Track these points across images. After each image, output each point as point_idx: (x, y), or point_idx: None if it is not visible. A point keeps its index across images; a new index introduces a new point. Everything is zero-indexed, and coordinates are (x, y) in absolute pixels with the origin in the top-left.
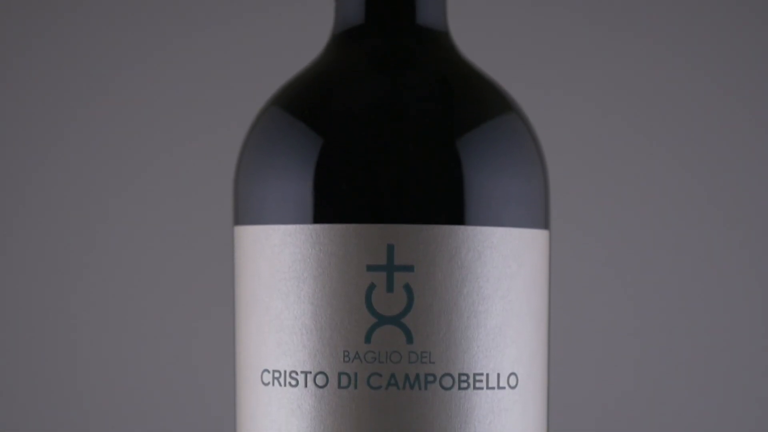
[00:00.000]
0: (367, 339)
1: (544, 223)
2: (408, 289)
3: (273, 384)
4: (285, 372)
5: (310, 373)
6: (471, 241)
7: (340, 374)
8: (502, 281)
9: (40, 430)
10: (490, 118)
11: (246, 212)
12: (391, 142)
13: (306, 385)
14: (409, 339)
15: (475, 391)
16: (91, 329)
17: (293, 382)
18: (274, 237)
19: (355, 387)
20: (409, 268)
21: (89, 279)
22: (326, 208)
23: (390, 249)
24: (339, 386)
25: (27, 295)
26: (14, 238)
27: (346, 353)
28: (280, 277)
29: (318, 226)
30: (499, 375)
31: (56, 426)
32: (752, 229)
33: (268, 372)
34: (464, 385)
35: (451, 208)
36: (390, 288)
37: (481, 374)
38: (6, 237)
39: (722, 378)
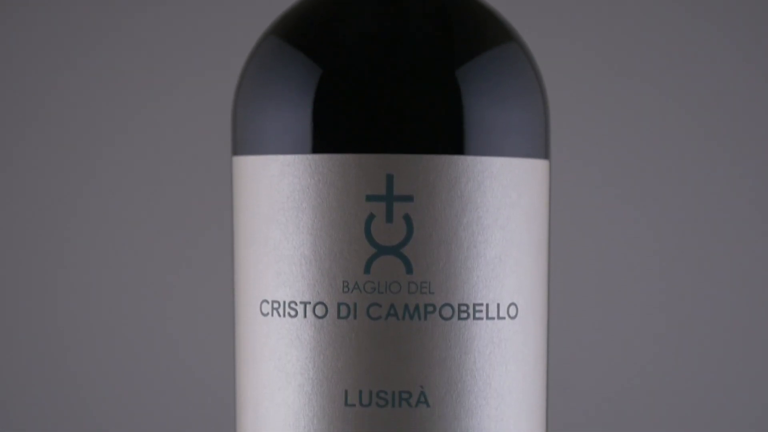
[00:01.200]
0: (367, 269)
1: (544, 152)
2: (407, 219)
3: (272, 315)
4: (284, 302)
5: (309, 303)
6: (471, 170)
7: (339, 305)
8: (502, 211)
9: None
10: (490, 47)
11: (244, 142)
12: (391, 72)
13: (305, 316)
14: (409, 269)
15: (475, 321)
16: (90, 262)
17: (292, 313)
18: (272, 167)
19: (355, 317)
20: (408, 198)
21: (87, 210)
22: (325, 138)
23: (389, 179)
24: (338, 317)
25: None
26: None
27: (346, 283)
28: (279, 208)
29: (317, 156)
30: (498, 305)
31: (51, 343)
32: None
33: (267, 303)
34: (464, 315)
35: (451, 137)
36: (389, 218)
37: (481, 304)
38: None
39: (721, 305)
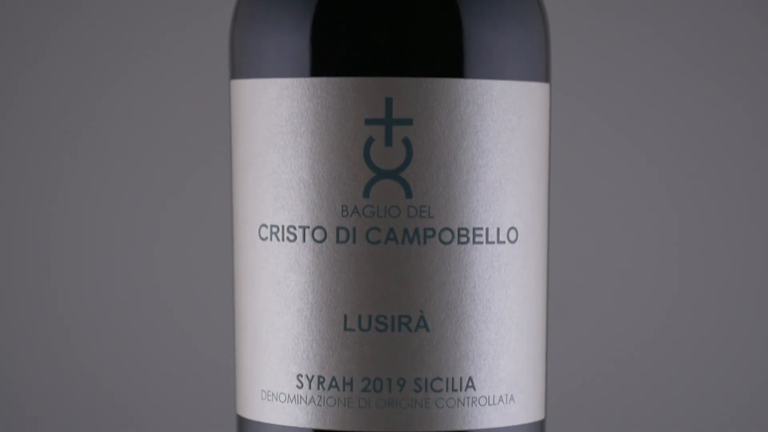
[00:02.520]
0: (366, 193)
1: (544, 76)
2: (407, 142)
3: (271, 239)
4: (283, 227)
5: (308, 227)
6: (470, 94)
7: (338, 229)
8: (502, 135)
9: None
10: None
11: (242, 66)
12: None
13: (304, 240)
14: (408, 193)
15: (475, 245)
16: (88, 188)
17: (291, 237)
18: (271, 90)
19: (354, 242)
20: (407, 122)
21: (86, 136)
22: (324, 61)
23: (388, 102)
24: (337, 241)
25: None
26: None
27: (345, 208)
28: (278, 131)
29: (315, 80)
30: (498, 229)
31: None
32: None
33: (266, 227)
34: (464, 239)
35: (451, 60)
36: (388, 142)
37: (481, 229)
38: None
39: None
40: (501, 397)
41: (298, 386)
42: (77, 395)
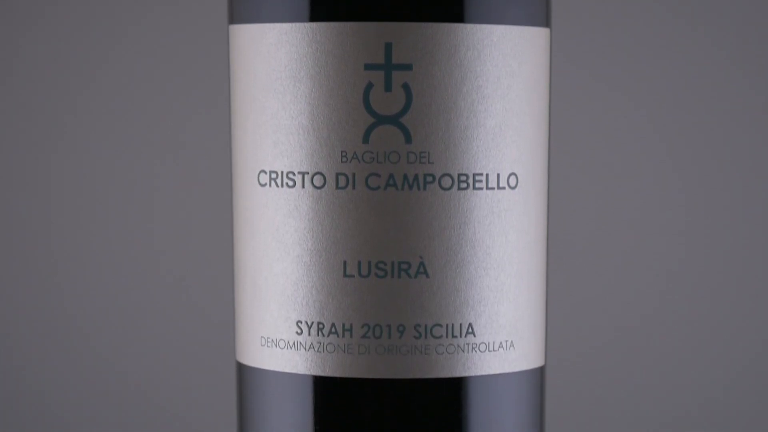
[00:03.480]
0: (365, 139)
1: (544, 20)
2: (406, 88)
3: (270, 185)
4: (282, 173)
5: (308, 173)
6: (470, 39)
7: (337, 175)
8: (502, 80)
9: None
10: None
11: (241, 11)
12: None
13: (303, 186)
14: (408, 139)
15: (475, 191)
16: (87, 138)
17: (290, 183)
18: (270, 35)
19: (353, 187)
20: (407, 67)
21: (84, 90)
22: (323, 6)
23: (388, 47)
24: (337, 187)
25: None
26: None
27: (344, 153)
28: (276, 77)
29: (314, 25)
30: (498, 175)
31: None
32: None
33: (265, 173)
34: (463, 185)
35: (450, 5)
36: (388, 87)
37: (481, 174)
38: None
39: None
40: (501, 343)
41: (297, 333)
42: (76, 341)
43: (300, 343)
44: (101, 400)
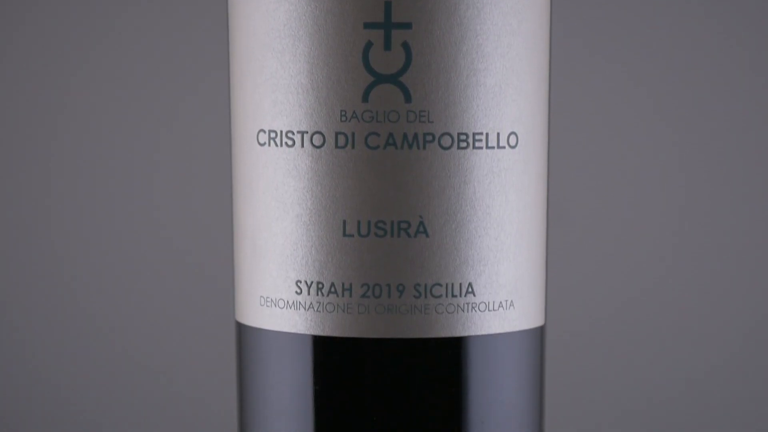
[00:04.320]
0: (365, 98)
1: None
2: (406, 46)
3: (269, 144)
4: (281, 132)
5: (307, 133)
6: None
7: (337, 134)
8: (502, 39)
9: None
10: None
11: None
12: None
13: (302, 145)
14: (408, 98)
15: (475, 150)
16: (87, 99)
17: (289, 143)
18: None
19: (353, 147)
20: (407, 26)
21: (82, 49)
22: None
23: (387, 6)
24: (336, 146)
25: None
26: None
27: (343, 113)
28: (276, 35)
29: None
30: (498, 134)
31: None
32: None
33: (264, 132)
34: (463, 144)
35: None
36: (388, 46)
37: (481, 134)
38: None
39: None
40: (501, 303)
41: (297, 292)
42: (74, 302)
43: (299, 302)
44: (99, 362)
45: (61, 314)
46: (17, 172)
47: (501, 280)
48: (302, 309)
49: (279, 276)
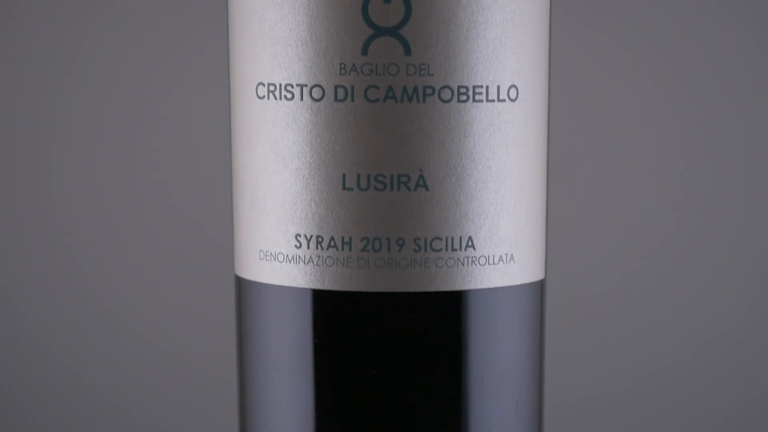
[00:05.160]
0: (364, 51)
1: None
2: None
3: (268, 98)
4: (280, 85)
5: (306, 86)
6: None
7: (336, 87)
8: None
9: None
10: None
11: None
12: None
13: (302, 99)
14: (407, 50)
15: (475, 103)
16: (86, 67)
17: (289, 96)
18: None
19: (352, 100)
20: None
21: (81, 22)
22: None
23: None
24: (335, 99)
25: None
26: None
27: (343, 66)
28: None
29: None
30: (499, 87)
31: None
32: None
33: (263, 85)
34: (463, 97)
35: None
36: None
37: (481, 86)
38: None
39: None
40: (501, 256)
41: (296, 246)
42: (74, 255)
43: (299, 256)
44: (98, 314)
45: (58, 269)
46: (10, 140)
47: (501, 234)
48: (302, 263)
49: (278, 230)
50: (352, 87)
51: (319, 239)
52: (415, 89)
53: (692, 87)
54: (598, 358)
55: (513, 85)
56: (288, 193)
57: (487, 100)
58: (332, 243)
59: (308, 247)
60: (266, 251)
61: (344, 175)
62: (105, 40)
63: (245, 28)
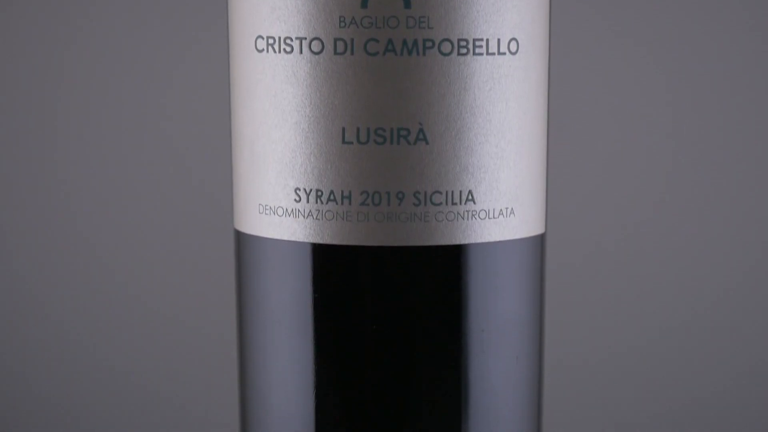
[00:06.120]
0: (364, 3)
1: None
2: None
3: (267, 51)
4: (279, 38)
5: (305, 39)
6: None
7: (336, 40)
8: None
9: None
10: None
11: None
12: None
13: (301, 52)
14: (407, 3)
15: (475, 57)
16: (85, 21)
17: (288, 49)
18: None
19: (352, 53)
20: None
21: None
22: None
23: None
24: (335, 52)
25: None
26: None
27: (342, 18)
28: None
29: None
30: (499, 40)
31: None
32: None
33: (262, 38)
34: (463, 50)
35: None
36: None
37: (481, 39)
38: None
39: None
40: (501, 210)
41: (296, 200)
42: (75, 207)
43: (298, 210)
44: (95, 269)
45: (59, 227)
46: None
47: (501, 188)
48: (301, 217)
49: (278, 184)
50: (352, 40)
51: (319, 193)
52: (415, 42)
53: (695, 36)
54: (598, 312)
55: (513, 38)
56: (287, 146)
57: (488, 54)
58: (332, 197)
59: (308, 201)
60: (265, 205)
61: (344, 129)
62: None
63: None
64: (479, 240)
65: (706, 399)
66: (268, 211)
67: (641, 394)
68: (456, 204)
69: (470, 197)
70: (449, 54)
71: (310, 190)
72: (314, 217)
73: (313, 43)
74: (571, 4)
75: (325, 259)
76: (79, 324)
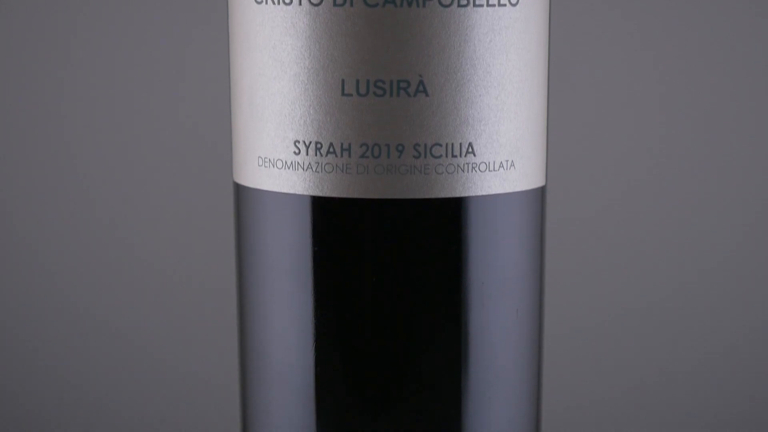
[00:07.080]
0: None
1: None
2: None
3: (266, 2)
4: None
5: None
6: None
7: None
8: None
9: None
10: None
11: None
12: None
13: (300, 3)
14: None
15: (475, 8)
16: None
17: (287, 0)
18: None
19: (351, 4)
20: None
21: None
22: None
23: None
24: (334, 4)
25: None
26: None
27: None
28: None
29: None
30: None
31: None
32: None
33: None
34: (463, 2)
35: None
36: None
37: None
38: None
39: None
40: (501, 163)
41: (295, 152)
42: (78, 170)
43: (298, 163)
44: (95, 224)
45: (65, 205)
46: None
47: (501, 140)
48: (300, 169)
49: (277, 136)
50: None
51: (318, 145)
52: None
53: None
54: (598, 265)
55: None
56: (286, 99)
57: (488, 5)
58: (331, 149)
59: (307, 154)
60: (265, 158)
61: (343, 81)
62: None
63: None
64: (479, 192)
65: (709, 354)
66: (267, 164)
67: (642, 347)
68: (456, 156)
69: (470, 149)
70: (449, 5)
71: (310, 143)
72: (313, 169)
73: None
74: None
75: (325, 212)
76: (79, 278)
